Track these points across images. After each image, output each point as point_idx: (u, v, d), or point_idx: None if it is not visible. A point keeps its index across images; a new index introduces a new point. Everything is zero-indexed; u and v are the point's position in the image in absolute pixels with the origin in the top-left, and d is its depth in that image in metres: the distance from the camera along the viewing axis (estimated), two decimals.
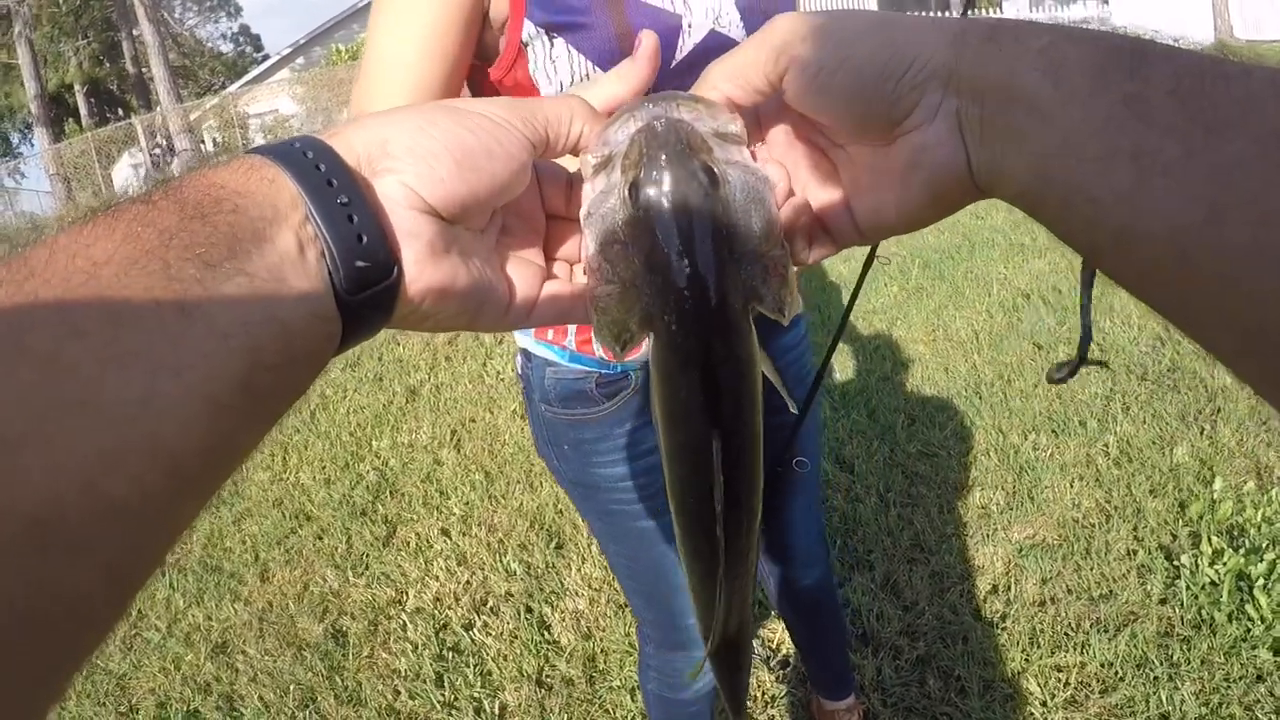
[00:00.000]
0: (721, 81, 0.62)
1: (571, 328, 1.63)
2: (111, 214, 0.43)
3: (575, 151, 0.64)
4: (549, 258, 0.69)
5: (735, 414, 0.62)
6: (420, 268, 0.54)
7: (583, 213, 0.63)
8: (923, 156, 0.54)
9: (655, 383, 0.63)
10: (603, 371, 1.65)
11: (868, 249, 1.31)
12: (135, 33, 36.31)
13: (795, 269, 0.63)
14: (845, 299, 6.14)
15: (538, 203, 0.68)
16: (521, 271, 0.65)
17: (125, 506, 0.36)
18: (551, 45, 1.36)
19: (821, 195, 0.64)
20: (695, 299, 0.58)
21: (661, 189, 0.58)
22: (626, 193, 0.59)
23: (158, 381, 0.38)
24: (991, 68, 0.49)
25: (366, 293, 0.51)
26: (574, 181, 0.68)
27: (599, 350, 1.64)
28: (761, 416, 0.64)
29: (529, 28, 1.36)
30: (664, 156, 0.58)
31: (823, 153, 0.64)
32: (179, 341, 0.40)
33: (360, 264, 0.50)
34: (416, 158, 0.54)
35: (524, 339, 1.73)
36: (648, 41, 0.67)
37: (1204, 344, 0.44)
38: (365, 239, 0.50)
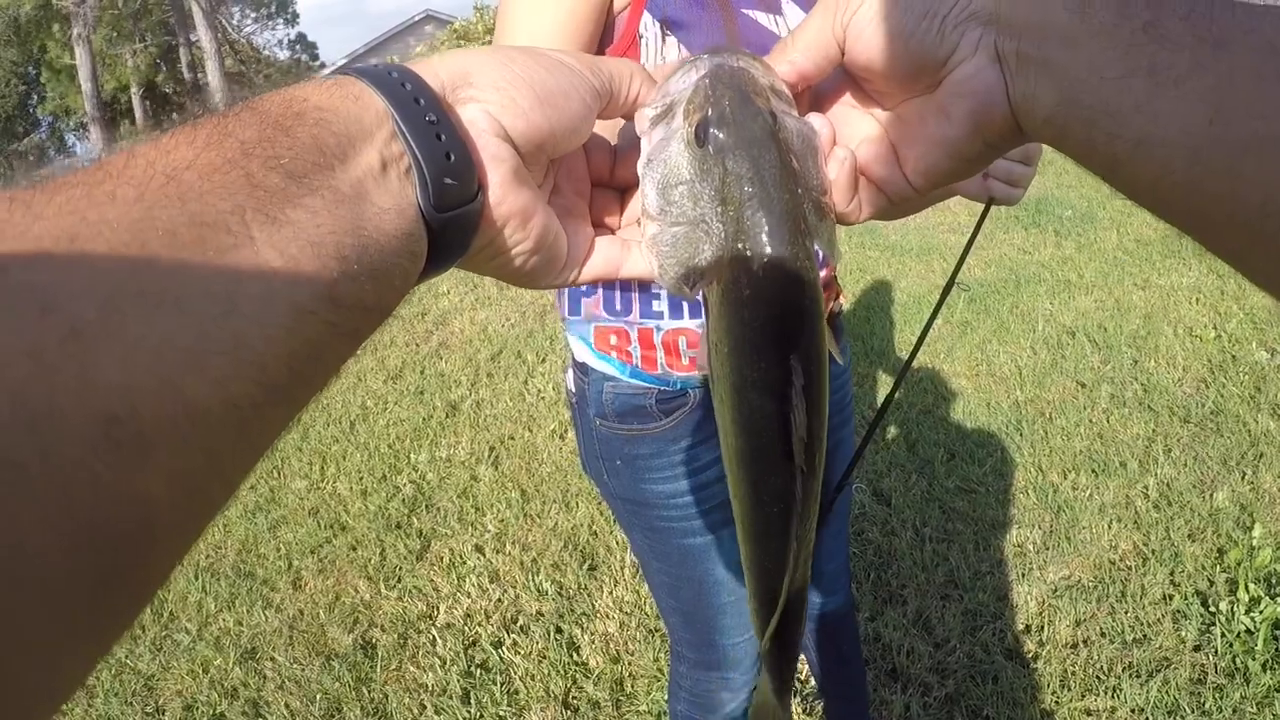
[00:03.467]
0: (797, 55, 0.65)
1: (634, 338, 1.64)
2: (190, 126, 0.43)
3: (630, 115, 0.67)
4: (592, 223, 0.71)
5: (809, 339, 0.62)
6: (504, 191, 0.56)
7: (641, 162, 0.65)
8: (964, 86, 0.57)
9: (718, 320, 0.63)
10: (662, 387, 1.65)
11: (941, 282, 1.32)
12: (193, 38, 36.68)
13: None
14: (891, 329, 6.12)
15: (584, 167, 0.70)
16: (572, 228, 0.66)
17: (206, 410, 0.35)
18: (664, 41, 1.40)
19: (871, 152, 0.67)
20: (770, 226, 0.59)
21: (733, 125, 0.60)
22: (693, 133, 0.61)
23: (241, 282, 0.38)
24: (1026, 6, 0.53)
25: (453, 211, 0.52)
26: (617, 151, 0.71)
27: (658, 368, 1.65)
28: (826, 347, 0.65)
29: (647, 19, 1.40)
30: (733, 94, 0.61)
31: (874, 118, 0.68)
32: (263, 244, 0.40)
33: (448, 181, 0.51)
34: (499, 89, 0.56)
35: (583, 352, 1.73)
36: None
37: (1214, 245, 0.49)
38: (453, 157, 0.52)
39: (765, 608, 0.79)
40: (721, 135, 0.60)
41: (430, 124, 0.51)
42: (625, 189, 0.73)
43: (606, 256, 0.69)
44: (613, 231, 0.72)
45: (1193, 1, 0.47)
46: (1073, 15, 0.51)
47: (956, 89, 0.57)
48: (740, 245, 0.60)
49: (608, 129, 0.71)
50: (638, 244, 0.69)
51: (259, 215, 0.40)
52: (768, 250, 0.59)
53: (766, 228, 0.59)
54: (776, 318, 0.61)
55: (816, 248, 0.62)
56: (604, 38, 1.47)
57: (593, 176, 0.71)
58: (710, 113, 0.61)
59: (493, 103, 0.55)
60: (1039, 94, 0.53)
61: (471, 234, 0.55)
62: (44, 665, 0.30)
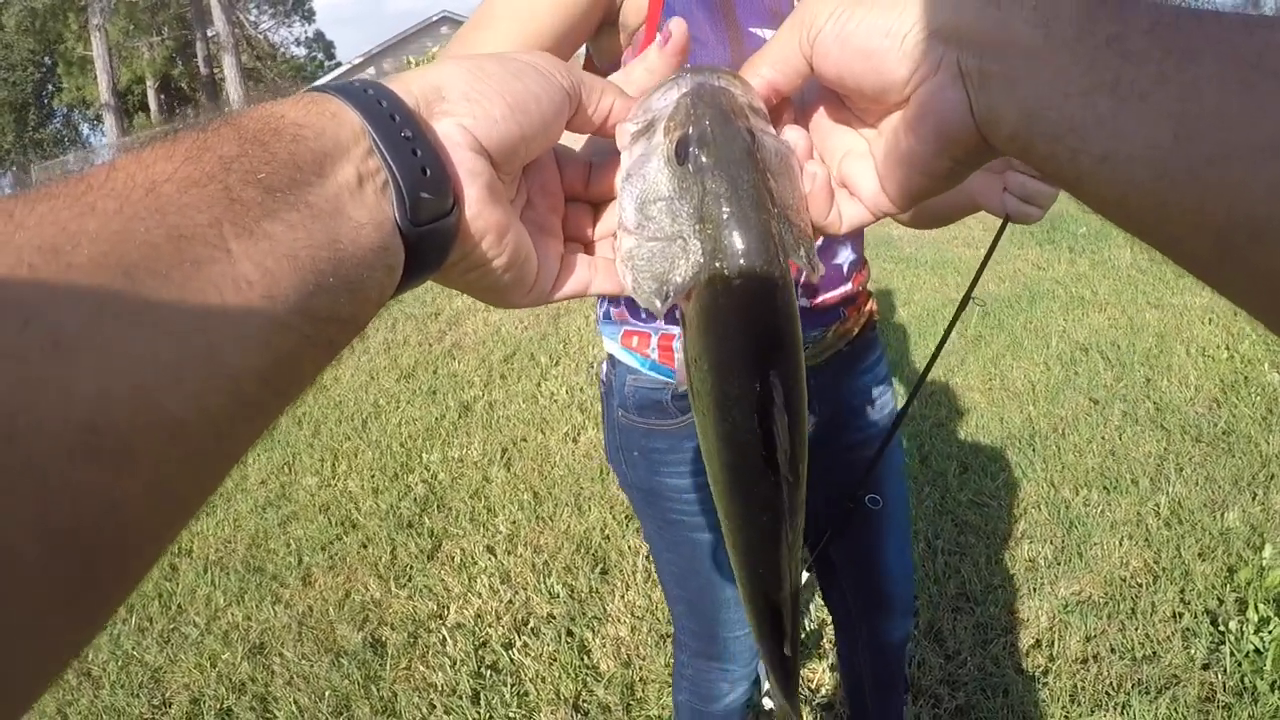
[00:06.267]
0: (766, 69, 0.66)
1: (654, 341, 1.69)
2: (169, 140, 0.43)
3: (601, 130, 0.67)
4: (565, 238, 0.71)
5: (787, 356, 0.63)
6: (480, 206, 0.56)
7: (620, 176, 0.66)
8: (928, 105, 0.57)
9: (697, 337, 0.63)
10: (679, 386, 1.67)
11: (961, 291, 1.32)
12: (210, 33, 36.74)
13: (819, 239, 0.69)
14: (906, 342, 6.13)
15: (558, 181, 0.70)
16: (543, 244, 0.67)
17: (182, 422, 0.36)
18: None
19: (853, 164, 0.67)
20: (748, 245, 0.59)
21: (712, 144, 0.61)
22: (673, 149, 0.62)
23: (218, 297, 0.39)
24: (988, 23, 0.53)
25: (429, 225, 0.53)
26: (592, 165, 0.71)
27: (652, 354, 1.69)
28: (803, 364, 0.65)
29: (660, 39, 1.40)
30: (714, 113, 0.62)
31: (854, 131, 0.68)
32: (240, 257, 0.40)
33: (424, 195, 0.52)
34: (471, 100, 0.56)
35: (611, 344, 1.78)
36: (677, 34, 0.70)
37: (1183, 259, 0.48)
38: (429, 172, 0.52)
39: (762, 615, 0.81)
40: (701, 154, 0.61)
41: (406, 139, 0.52)
42: (600, 203, 0.73)
43: (578, 277, 0.69)
44: (586, 244, 0.73)
45: (1158, 13, 0.47)
46: (1035, 30, 0.51)
47: (921, 108, 0.58)
48: (718, 263, 0.60)
49: (579, 142, 0.72)
50: (610, 260, 0.70)
51: (236, 228, 0.41)
52: (746, 269, 0.60)
53: (744, 247, 0.59)
54: (756, 335, 0.62)
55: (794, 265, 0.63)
56: (613, 55, 1.52)
57: (567, 191, 0.71)
58: (691, 131, 0.61)
59: (465, 115, 0.56)
60: (1002, 110, 0.53)
61: (448, 247, 0.56)
62: (17, 665, 0.31)
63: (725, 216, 0.60)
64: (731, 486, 0.70)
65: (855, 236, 1.79)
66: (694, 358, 0.65)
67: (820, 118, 0.71)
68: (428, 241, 0.53)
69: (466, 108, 0.56)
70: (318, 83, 0.55)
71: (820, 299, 1.71)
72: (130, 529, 0.35)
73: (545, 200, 0.69)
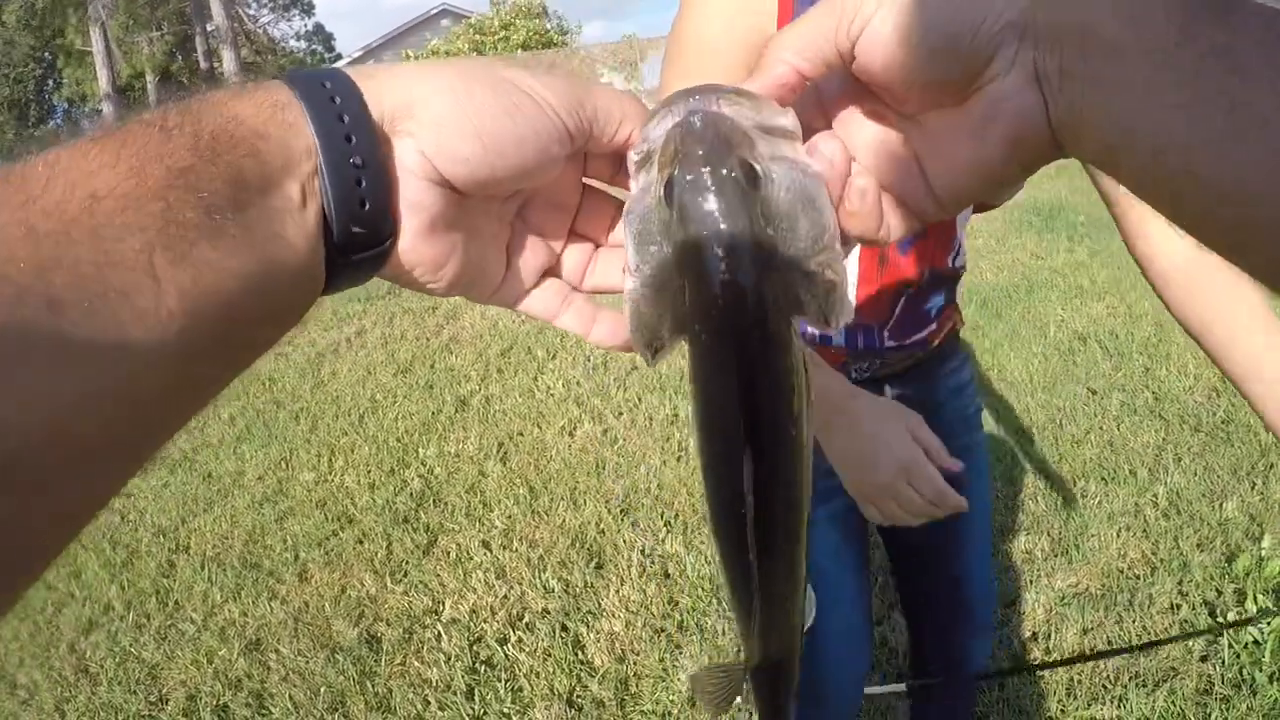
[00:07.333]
0: (789, 54, 0.57)
1: None
2: (121, 138, 0.42)
3: (622, 151, 0.61)
4: (576, 232, 0.67)
5: (772, 429, 0.58)
6: (416, 240, 0.53)
7: (625, 209, 0.60)
8: (1000, 108, 0.51)
9: (690, 391, 0.59)
10: None
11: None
12: (209, 27, 36.75)
13: (846, 276, 0.59)
14: None
15: (575, 177, 0.65)
16: (529, 253, 0.64)
17: (91, 450, 0.37)
18: None
19: (893, 170, 0.60)
20: (729, 307, 0.54)
21: (695, 189, 0.54)
22: (661, 192, 0.55)
23: (140, 329, 0.38)
24: (1068, 15, 0.48)
25: (356, 255, 0.51)
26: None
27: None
28: (806, 432, 0.60)
29: None
30: (699, 153, 0.54)
31: (891, 127, 0.61)
32: (167, 285, 0.39)
33: (356, 229, 0.49)
34: (442, 130, 0.52)
35: None
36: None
37: None
38: (368, 206, 0.50)
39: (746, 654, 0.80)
40: (685, 197, 0.54)
41: (355, 167, 0.49)
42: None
43: (545, 304, 0.66)
44: (597, 245, 0.68)
45: (1269, 23, 0.42)
46: (1124, 25, 0.45)
47: (990, 110, 0.52)
48: (696, 324, 0.56)
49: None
50: (586, 299, 0.67)
51: (168, 254, 0.40)
52: (724, 332, 0.55)
53: (723, 308, 0.54)
54: (733, 402, 0.57)
55: (803, 322, 0.57)
56: None
57: (593, 174, 0.65)
58: (676, 172, 0.55)
59: (429, 143, 0.52)
60: (1089, 117, 0.47)
61: (373, 272, 0.54)
62: None
63: (698, 275, 0.54)
64: (713, 540, 0.68)
65: (949, 282, 1.77)
66: (690, 408, 0.62)
67: (846, 114, 0.63)
68: (353, 268, 0.51)
69: (433, 137, 0.52)
70: (300, 72, 0.52)
71: (906, 341, 1.71)
72: (32, 552, 0.36)
73: (550, 199, 0.65)
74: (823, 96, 0.63)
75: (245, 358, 0.46)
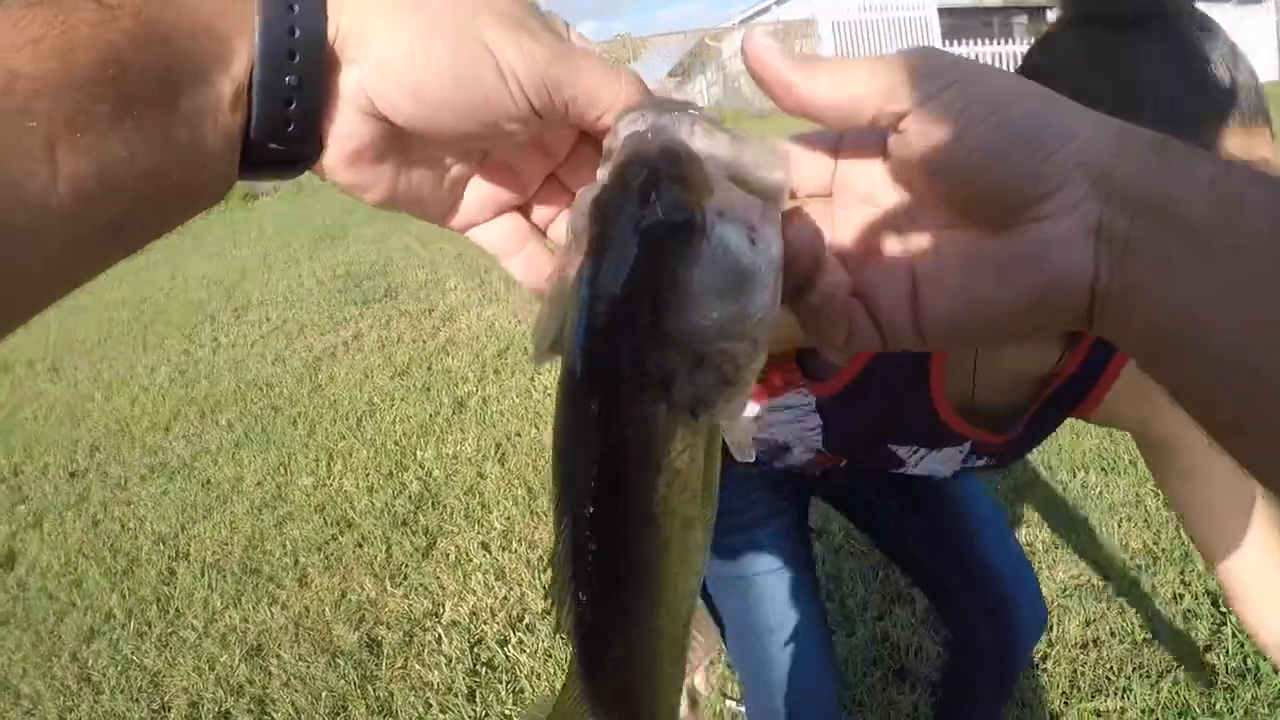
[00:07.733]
0: (826, 93, 0.48)
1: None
2: (57, 7, 0.40)
3: (600, 134, 0.53)
4: (560, 181, 0.62)
5: (613, 521, 0.50)
6: (338, 165, 0.51)
7: (575, 199, 0.52)
8: (1044, 252, 0.44)
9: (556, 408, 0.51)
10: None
11: None
12: None
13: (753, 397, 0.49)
14: None
15: (569, 129, 0.58)
16: (489, 188, 0.59)
17: None
18: None
19: (880, 275, 0.51)
20: (592, 359, 0.47)
21: (616, 216, 0.46)
22: (590, 206, 0.48)
23: (26, 215, 0.38)
24: (1152, 180, 0.41)
25: (269, 166, 0.49)
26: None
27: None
28: (662, 535, 0.50)
29: None
30: (638, 181, 0.46)
31: (898, 227, 0.52)
32: (63, 177, 0.39)
33: (273, 146, 0.48)
34: (384, 74, 0.48)
35: None
36: None
37: None
38: (293, 128, 0.48)
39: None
40: (603, 225, 0.46)
41: (289, 87, 0.46)
42: None
43: (497, 242, 0.61)
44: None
45: None
46: (1212, 210, 0.39)
47: (1030, 251, 0.44)
48: (567, 360, 0.48)
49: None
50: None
51: (72, 146, 0.39)
52: (585, 386, 0.48)
53: (589, 362, 0.47)
54: (583, 459, 0.49)
55: (696, 415, 0.48)
56: None
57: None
58: (609, 190, 0.47)
59: (372, 83, 0.48)
60: (1146, 301, 0.41)
61: (288, 178, 0.52)
62: None
63: (577, 310, 0.47)
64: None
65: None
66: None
67: (853, 169, 0.53)
68: (268, 174, 0.50)
69: (376, 76, 0.48)
70: None
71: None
72: None
73: (524, 155, 0.59)
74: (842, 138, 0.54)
75: (132, 246, 0.45)
